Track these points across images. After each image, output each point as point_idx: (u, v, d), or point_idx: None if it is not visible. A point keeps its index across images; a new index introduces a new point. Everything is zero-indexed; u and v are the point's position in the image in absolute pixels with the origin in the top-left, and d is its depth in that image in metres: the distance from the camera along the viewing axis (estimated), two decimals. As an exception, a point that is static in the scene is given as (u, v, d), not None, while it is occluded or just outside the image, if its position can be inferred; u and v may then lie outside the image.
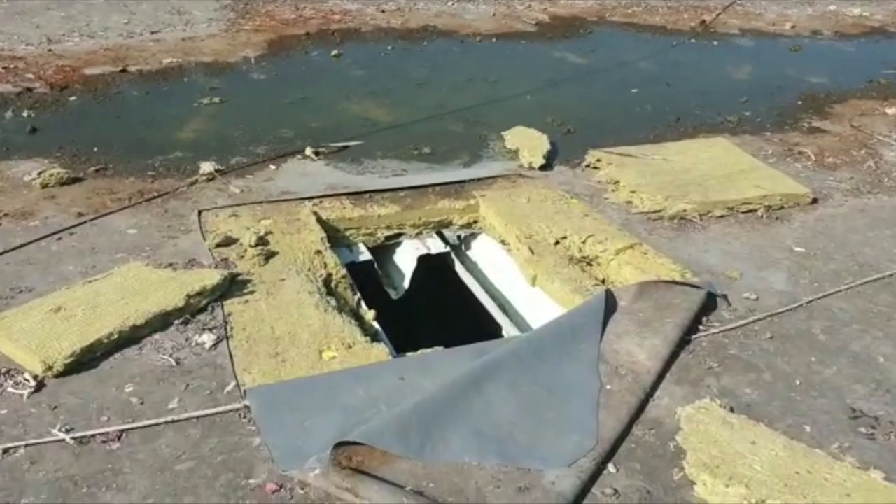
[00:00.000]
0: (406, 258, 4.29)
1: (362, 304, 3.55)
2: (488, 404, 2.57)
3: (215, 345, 2.96)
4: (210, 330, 3.05)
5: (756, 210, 4.28)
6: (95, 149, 5.03)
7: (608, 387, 2.71)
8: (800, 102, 6.62)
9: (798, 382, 2.82)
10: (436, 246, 4.28)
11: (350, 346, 2.95)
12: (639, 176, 4.61)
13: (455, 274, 4.29)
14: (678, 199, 4.25)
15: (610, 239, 3.95)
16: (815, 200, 4.45)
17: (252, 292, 3.34)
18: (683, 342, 3.03)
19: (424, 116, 5.94)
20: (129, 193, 4.39)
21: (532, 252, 3.87)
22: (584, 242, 3.96)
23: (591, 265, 3.93)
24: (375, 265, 4.09)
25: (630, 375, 2.76)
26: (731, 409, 2.65)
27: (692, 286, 3.30)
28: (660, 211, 4.23)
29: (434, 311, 4.53)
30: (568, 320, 3.03)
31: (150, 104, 6.01)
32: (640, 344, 2.96)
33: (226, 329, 3.06)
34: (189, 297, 3.16)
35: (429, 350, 3.01)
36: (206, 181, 4.61)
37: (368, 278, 4.11)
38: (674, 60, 7.79)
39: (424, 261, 4.17)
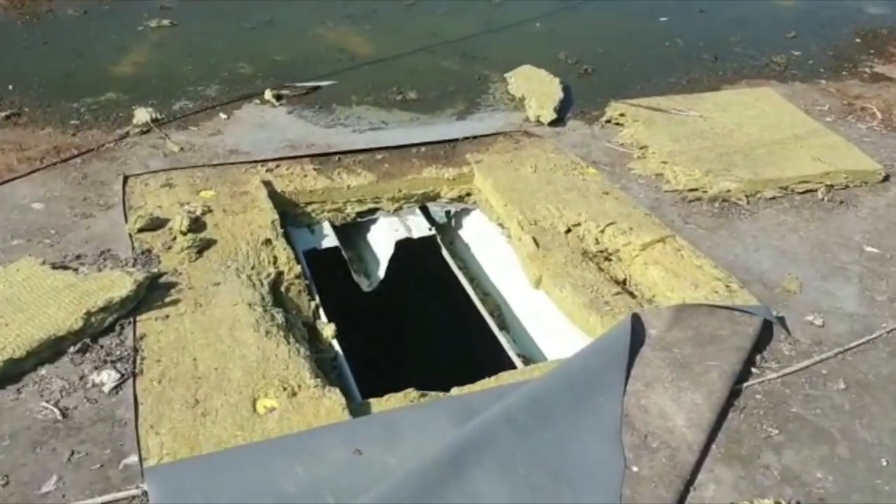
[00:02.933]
0: (382, 240, 3.60)
1: (321, 312, 2.88)
2: (473, 497, 1.94)
3: (118, 386, 2.32)
4: (114, 363, 2.40)
5: (815, 191, 3.56)
6: (10, 87, 4.27)
7: (634, 468, 2.09)
8: (858, 40, 5.79)
9: (885, 463, 2.19)
10: (419, 226, 3.59)
11: (294, 393, 2.31)
12: (671, 139, 3.87)
13: (442, 260, 3.60)
14: (720, 175, 3.54)
15: (635, 228, 3.26)
16: (886, 178, 3.72)
17: (176, 302, 2.68)
18: (733, 393, 2.38)
19: (413, 49, 5.13)
20: (43, 151, 3.66)
21: (537, 244, 3.18)
22: (601, 232, 3.27)
23: (609, 260, 3.25)
24: (343, 251, 3.40)
25: (664, 452, 2.13)
26: (800, 508, 2.04)
27: (743, 311, 2.63)
28: (697, 190, 3.52)
29: (414, 308, 3.87)
30: (582, 364, 2.37)
31: (85, 27, 5.19)
32: (676, 399, 2.31)
33: (135, 361, 2.41)
34: (89, 315, 2.49)
35: (397, 399, 2.37)
36: (140, 134, 3.87)
37: (335, 264, 3.44)
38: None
39: (404, 245, 3.48)
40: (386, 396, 2.41)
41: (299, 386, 2.35)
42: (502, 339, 3.17)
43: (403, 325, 4.32)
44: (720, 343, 2.53)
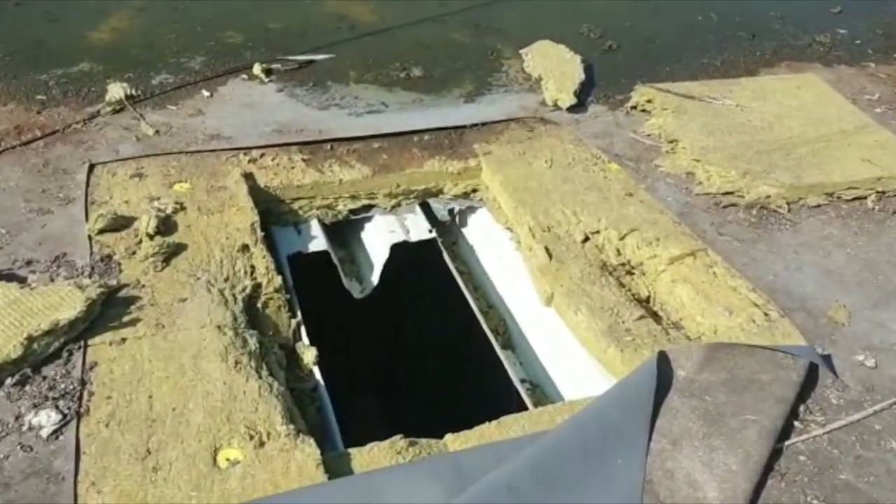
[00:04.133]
0: (377, 241, 3.29)
1: (302, 332, 2.58)
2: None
3: (58, 430, 2.03)
4: (56, 400, 2.11)
5: (865, 198, 3.21)
6: (-26, 55, 3.92)
7: (656, 552, 1.78)
8: (911, 16, 5.34)
9: (953, 551, 1.88)
10: (418, 226, 3.27)
11: (262, 443, 2.02)
12: (704, 133, 3.51)
13: (442, 263, 3.28)
14: (759, 178, 3.18)
15: (662, 239, 2.92)
16: (946, 183, 3.36)
17: (135, 322, 2.38)
18: (773, 452, 2.08)
19: (420, 18, 4.74)
20: (2, 132, 3.34)
21: (550, 255, 2.85)
22: (623, 240, 2.93)
23: (631, 274, 2.92)
24: (333, 256, 3.08)
25: (692, 532, 1.82)
26: None
27: (785, 352, 2.31)
28: (733, 194, 3.17)
29: (409, 319, 3.56)
30: (599, 417, 2.06)
31: (62, -14, 4.79)
32: (707, 463, 2.01)
33: (81, 398, 2.11)
34: (31, 340, 2.19)
35: (382, 451, 2.07)
36: (112, 113, 3.54)
37: (323, 269, 3.13)
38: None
39: (401, 249, 3.16)
40: (369, 446, 2.11)
41: (268, 434, 2.06)
42: (505, 360, 2.86)
43: (397, 339, 4.02)
44: (759, 391, 2.21)
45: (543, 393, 2.80)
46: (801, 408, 2.26)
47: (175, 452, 2.00)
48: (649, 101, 3.82)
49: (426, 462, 2.00)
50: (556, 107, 3.82)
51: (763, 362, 2.31)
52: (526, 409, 2.67)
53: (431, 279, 3.32)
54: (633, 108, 3.85)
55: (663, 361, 2.29)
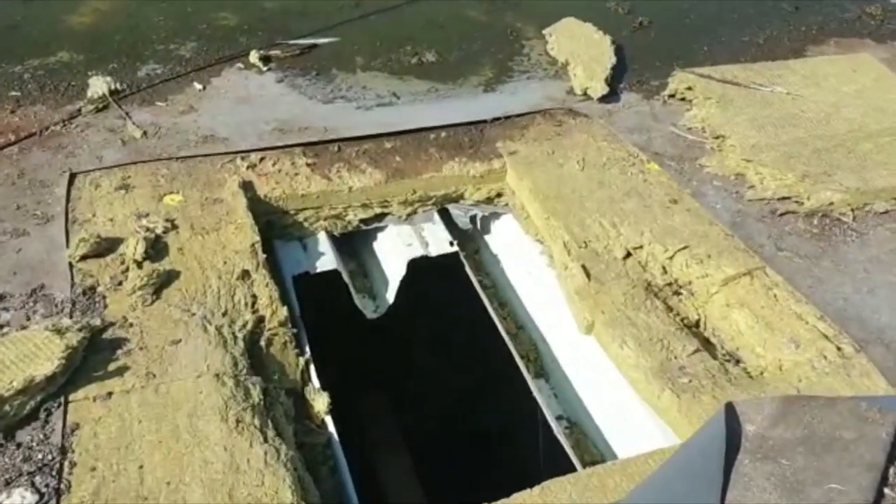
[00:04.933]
0: (391, 254, 3.00)
1: (312, 374, 2.31)
2: None
3: (33, 514, 1.75)
4: (32, 475, 1.85)
5: (940, 201, 2.90)
6: (-61, 43, 3.60)
7: None
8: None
9: None
10: (437, 237, 2.98)
11: (271, 527, 1.74)
12: (754, 127, 3.20)
13: (464, 278, 2.99)
14: (820, 182, 2.88)
15: (714, 256, 2.63)
16: None
17: (122, 371, 2.11)
18: (861, 529, 1.80)
19: (431, -6, 4.39)
20: (-29, 136, 3.03)
21: (588, 275, 2.56)
22: (671, 258, 2.64)
23: (678, 294, 2.63)
24: (343, 274, 2.80)
25: None
26: None
27: (872, 403, 2.03)
28: (790, 199, 2.87)
29: (428, 342, 3.29)
30: (662, 494, 1.78)
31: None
32: (789, 546, 1.73)
33: (60, 472, 1.84)
34: (2, 401, 1.92)
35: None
36: (95, 111, 3.23)
37: (333, 285, 2.85)
38: None
39: (419, 265, 2.88)
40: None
41: (278, 512, 1.79)
42: (537, 392, 2.59)
43: (413, 368, 3.75)
44: (843, 452, 1.94)
45: (583, 433, 2.54)
46: (893, 472, 1.98)
47: (170, 540, 1.73)
48: (689, 88, 3.50)
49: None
50: (586, 96, 3.51)
51: (845, 416, 2.03)
52: (557, 447, 2.41)
53: (452, 297, 3.03)
54: (671, 96, 3.54)
55: (731, 416, 2.01)
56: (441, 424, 3.80)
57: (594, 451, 2.46)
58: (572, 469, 2.31)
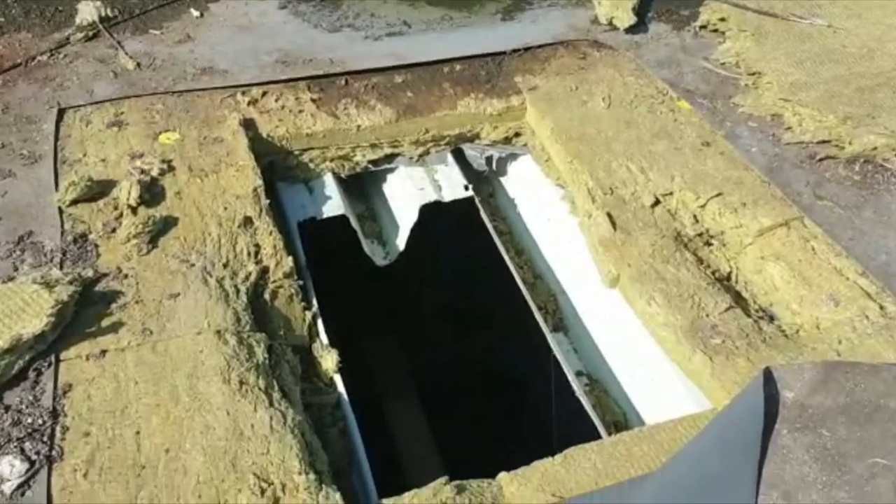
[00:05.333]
0: (402, 198, 2.85)
1: (320, 329, 2.18)
2: None
3: (24, 485, 1.67)
4: (22, 440, 1.75)
5: None
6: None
7: None
8: None
9: None
10: (451, 180, 2.83)
11: (276, 500, 1.65)
12: (792, 62, 2.99)
13: (479, 223, 2.85)
14: (863, 124, 2.69)
15: (749, 204, 2.48)
16: None
17: (117, 327, 1.99)
18: (906, 506, 1.70)
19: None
20: (-49, 65, 2.85)
21: (614, 225, 2.41)
22: (702, 207, 2.48)
23: (709, 245, 2.48)
24: (352, 220, 2.65)
25: None
26: None
27: (921, 369, 1.90)
28: (830, 143, 2.68)
29: (440, 293, 3.16)
30: (696, 468, 1.68)
31: None
32: (830, 525, 1.64)
33: (52, 436, 1.74)
34: (-13, 361, 1.81)
35: (423, 500, 1.71)
36: (85, 40, 3.03)
37: (341, 230, 2.71)
38: None
39: (432, 211, 2.73)
40: (409, 494, 1.75)
41: (284, 486, 1.70)
42: (555, 346, 2.47)
43: (425, 319, 3.63)
44: (889, 423, 1.82)
45: (604, 391, 2.42)
46: (940, 443, 1.86)
47: (170, 513, 1.63)
48: (722, 19, 3.28)
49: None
50: (612, 26, 3.29)
51: (890, 383, 1.91)
52: (574, 403, 2.31)
53: (466, 243, 2.89)
54: (703, 27, 3.31)
55: (769, 382, 1.89)
56: (454, 372, 3.71)
57: (616, 411, 2.36)
58: (590, 426, 2.21)
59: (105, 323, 2.01)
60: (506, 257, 2.74)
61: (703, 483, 1.65)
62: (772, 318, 2.32)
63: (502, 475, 1.82)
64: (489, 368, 3.68)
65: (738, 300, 2.35)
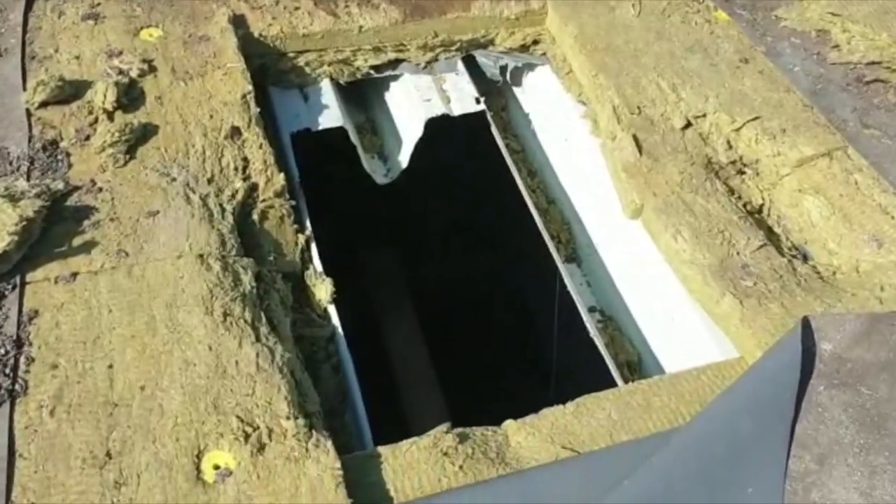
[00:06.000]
0: (406, 110, 2.65)
1: (314, 255, 2.02)
2: None
3: (-16, 419, 1.53)
4: (-19, 371, 1.59)
5: None
6: None
7: None
8: None
9: None
10: (461, 92, 2.62)
11: (262, 445, 1.53)
12: (844, -29, 2.71)
13: (490, 140, 2.65)
14: (920, 43, 2.45)
15: (789, 130, 2.28)
16: None
17: (89, 247, 1.83)
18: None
19: None
20: None
21: (640, 149, 2.22)
22: (737, 131, 2.28)
23: (742, 174, 2.30)
24: (351, 134, 2.45)
25: None
26: None
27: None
28: (881, 64, 2.46)
29: (443, 216, 2.98)
30: (725, 430, 1.55)
31: None
32: (867, 493, 1.54)
33: (16, 368, 1.60)
34: (-57, 281, 1.65)
35: (423, 449, 1.59)
36: (57, -82, 2.72)
37: (341, 144, 2.52)
38: None
39: (438, 126, 2.52)
40: (406, 444, 1.62)
41: (270, 431, 1.56)
42: (567, 277, 2.31)
43: (424, 241, 3.44)
44: (938, 382, 1.68)
45: (618, 329, 2.28)
46: None
47: (145, 457, 1.52)
48: (768, -82, 2.96)
49: (497, 484, 1.50)
50: (644, -77, 2.97)
51: (940, 338, 1.76)
52: (582, 338, 2.17)
53: (475, 161, 2.69)
54: (746, -73, 2.99)
55: (807, 331, 1.74)
56: (456, 293, 3.58)
57: (630, 351, 2.22)
58: (599, 361, 2.09)
59: (76, 242, 1.85)
60: (517, 179, 2.55)
61: (732, 445, 1.53)
62: (805, 258, 2.15)
63: (508, 423, 1.70)
64: (492, 293, 3.54)
65: (770, 236, 2.17)
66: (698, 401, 1.75)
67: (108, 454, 1.52)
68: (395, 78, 2.67)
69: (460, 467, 1.59)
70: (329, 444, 1.56)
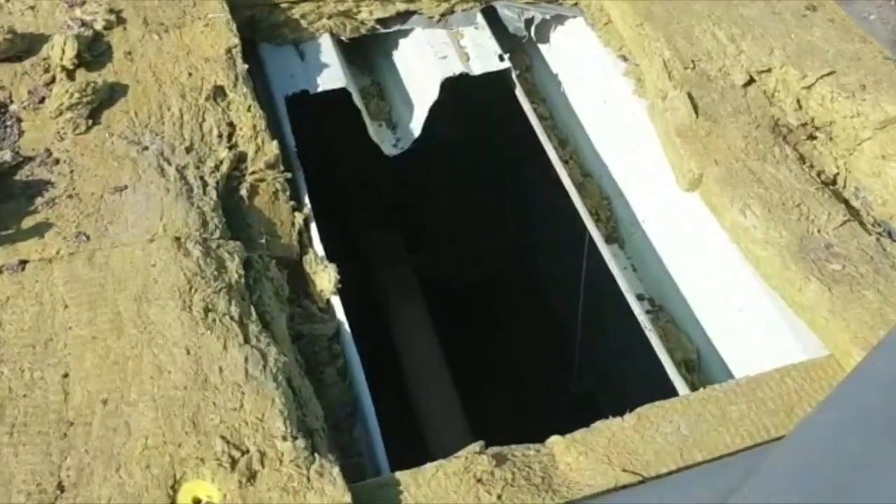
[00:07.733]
0: (419, 69, 2.38)
1: (313, 237, 1.76)
2: None
3: None
4: None
5: None
6: None
7: None
8: None
9: None
10: (481, 48, 2.35)
11: (252, 473, 1.28)
12: None
13: (514, 104, 2.37)
14: None
15: (869, 87, 2.01)
16: None
17: (41, 230, 1.57)
18: None
19: None
20: None
21: (696, 110, 1.95)
22: (808, 88, 2.01)
23: (813, 139, 2.02)
24: (354, 96, 2.18)
25: None
26: None
27: None
28: (973, 10, 2.16)
29: (462, 190, 2.73)
30: (822, 446, 1.28)
31: None
32: None
33: (-53, 379, 1.34)
34: None
35: (451, 474, 1.33)
36: None
37: (343, 111, 2.25)
38: None
39: (455, 87, 2.25)
40: (432, 466, 1.35)
41: (262, 455, 1.30)
42: (610, 259, 2.04)
43: (437, 221, 3.18)
44: None
45: (672, 322, 2.02)
46: None
47: (106, 489, 1.27)
48: None
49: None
50: None
51: None
52: (634, 332, 1.90)
53: (498, 129, 2.42)
54: None
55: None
56: (473, 280, 3.32)
57: (688, 347, 1.95)
58: (649, 357, 1.83)
59: (26, 224, 1.61)
60: (547, 149, 2.27)
61: (839, 468, 1.25)
62: (891, 235, 1.89)
63: (554, 439, 1.43)
64: (509, 274, 3.30)
65: (848, 210, 1.90)
66: (784, 410, 1.49)
67: (61, 486, 1.27)
68: (405, 33, 2.41)
69: (498, 497, 1.33)
70: (336, 470, 1.30)
